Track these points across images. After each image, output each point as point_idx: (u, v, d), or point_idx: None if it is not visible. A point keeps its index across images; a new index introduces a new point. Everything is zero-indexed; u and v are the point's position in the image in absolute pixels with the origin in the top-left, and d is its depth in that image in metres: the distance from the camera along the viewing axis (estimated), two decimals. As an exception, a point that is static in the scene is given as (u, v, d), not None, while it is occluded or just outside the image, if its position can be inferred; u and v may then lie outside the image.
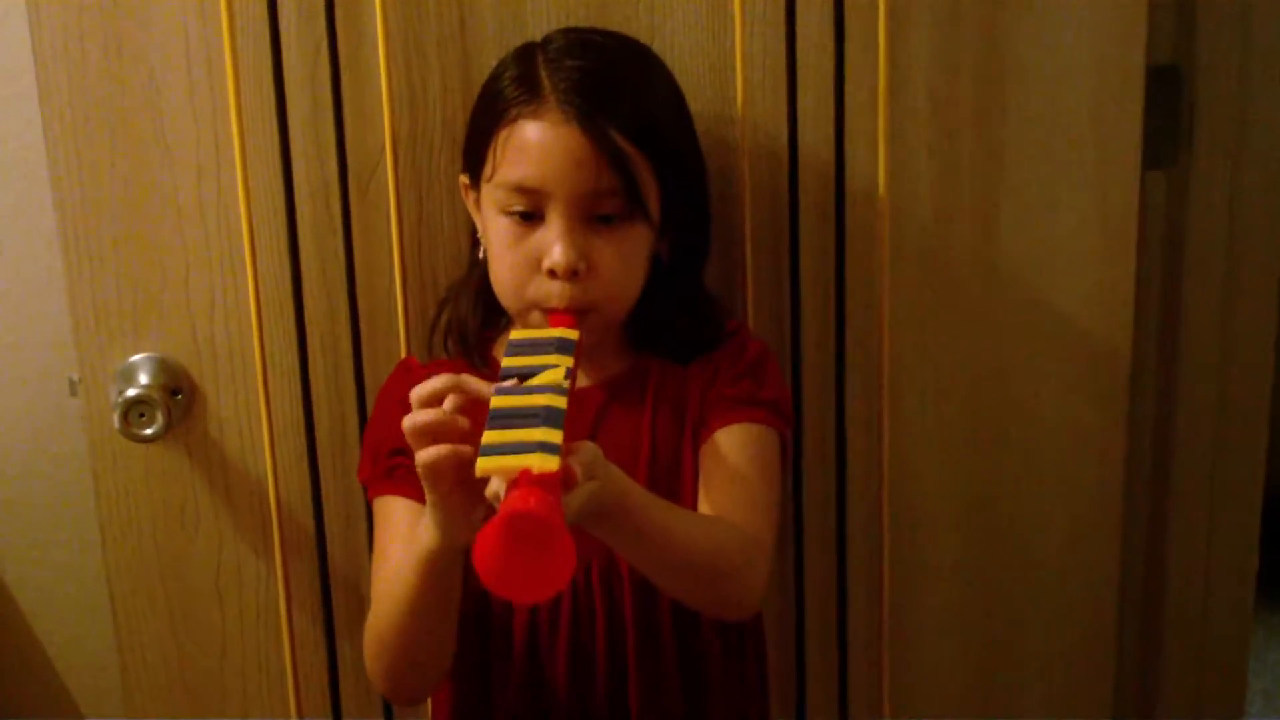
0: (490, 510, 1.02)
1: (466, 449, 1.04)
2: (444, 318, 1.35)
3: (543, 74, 1.21)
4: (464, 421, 1.06)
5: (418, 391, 1.08)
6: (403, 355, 1.42)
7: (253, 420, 1.44)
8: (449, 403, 1.07)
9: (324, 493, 1.46)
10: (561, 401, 1.05)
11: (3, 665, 1.76)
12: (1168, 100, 1.53)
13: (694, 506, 1.25)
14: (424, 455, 1.05)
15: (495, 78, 1.26)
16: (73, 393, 1.44)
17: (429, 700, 1.42)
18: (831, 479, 1.51)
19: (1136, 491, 1.63)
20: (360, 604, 1.48)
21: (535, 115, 1.19)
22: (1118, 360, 1.51)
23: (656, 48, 1.34)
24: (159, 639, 1.49)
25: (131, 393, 1.39)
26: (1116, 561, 1.57)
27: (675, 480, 1.27)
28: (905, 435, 1.51)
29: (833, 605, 1.54)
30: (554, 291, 1.20)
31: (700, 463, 1.27)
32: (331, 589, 1.48)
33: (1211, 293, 1.60)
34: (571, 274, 1.19)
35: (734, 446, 1.25)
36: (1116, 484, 1.55)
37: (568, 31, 1.28)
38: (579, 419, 1.25)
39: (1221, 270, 1.60)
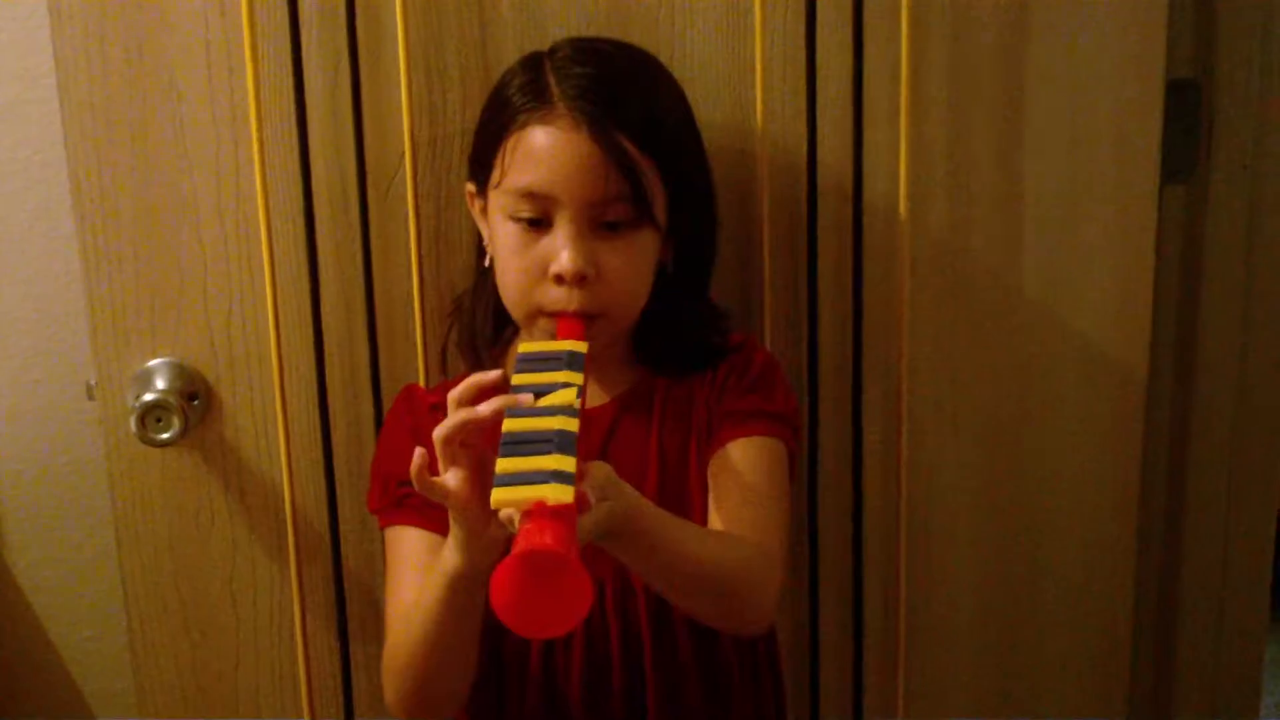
0: (506, 532, 1.02)
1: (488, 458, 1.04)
2: (454, 330, 1.35)
3: (551, 81, 1.21)
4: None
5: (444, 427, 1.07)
6: (420, 361, 1.42)
7: (269, 425, 1.44)
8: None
9: (339, 498, 1.46)
10: (574, 424, 1.04)
11: (17, 667, 1.76)
12: (1186, 114, 1.53)
13: (703, 520, 1.25)
14: (447, 480, 1.06)
15: (502, 85, 1.26)
16: (90, 397, 1.44)
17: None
18: (849, 492, 1.50)
19: (1152, 502, 1.63)
20: (374, 609, 1.48)
21: (545, 121, 1.19)
22: (1135, 372, 1.51)
23: (676, 58, 1.34)
24: (173, 642, 1.49)
25: (148, 397, 1.38)
26: (1131, 571, 1.57)
27: (683, 494, 1.27)
28: (923, 448, 1.51)
29: (848, 613, 1.54)
30: (561, 298, 1.20)
31: (709, 477, 1.26)
32: (345, 594, 1.48)
33: (1228, 305, 1.60)
34: (580, 280, 1.19)
35: (743, 460, 1.25)
36: (1132, 495, 1.55)
37: (574, 41, 1.28)
38: (591, 436, 1.25)
39: (1239, 283, 1.60)
